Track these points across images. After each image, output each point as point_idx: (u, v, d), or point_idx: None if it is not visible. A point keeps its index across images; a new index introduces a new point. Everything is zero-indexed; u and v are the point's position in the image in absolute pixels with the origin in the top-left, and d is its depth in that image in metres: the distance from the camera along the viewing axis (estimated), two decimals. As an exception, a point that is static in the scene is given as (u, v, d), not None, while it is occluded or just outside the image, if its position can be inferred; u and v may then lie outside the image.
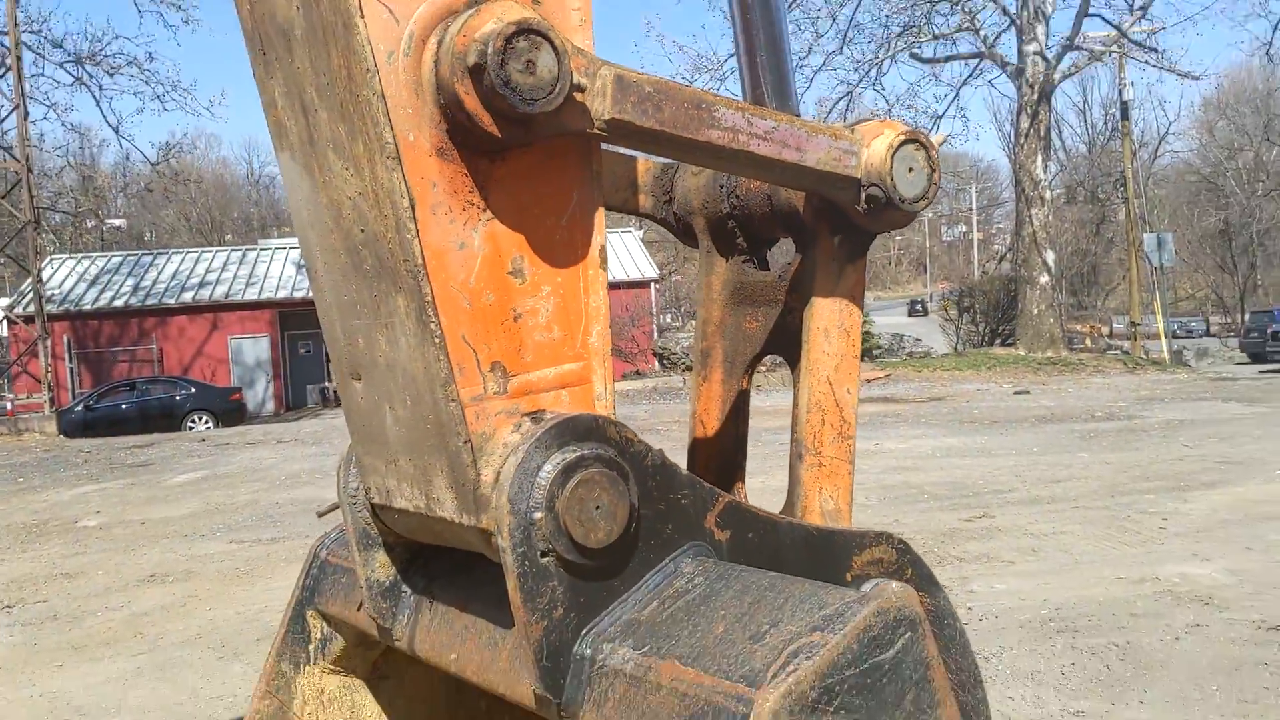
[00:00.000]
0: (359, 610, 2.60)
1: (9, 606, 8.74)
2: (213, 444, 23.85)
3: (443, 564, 2.46)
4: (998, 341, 41.41)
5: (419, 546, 2.47)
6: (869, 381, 28.95)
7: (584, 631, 1.98)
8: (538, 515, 1.90)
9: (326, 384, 43.51)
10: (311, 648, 2.84)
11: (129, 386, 36.57)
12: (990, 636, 6.79)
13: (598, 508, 1.94)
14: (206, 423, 34.54)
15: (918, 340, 47.93)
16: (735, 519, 2.16)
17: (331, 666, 2.86)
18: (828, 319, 2.48)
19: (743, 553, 2.15)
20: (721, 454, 2.81)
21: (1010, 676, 6.11)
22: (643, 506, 2.02)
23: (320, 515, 2.75)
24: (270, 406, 43.81)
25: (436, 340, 1.84)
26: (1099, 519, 9.99)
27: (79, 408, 34.73)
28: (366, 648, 2.86)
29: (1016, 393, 25.10)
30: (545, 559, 1.93)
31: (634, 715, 1.85)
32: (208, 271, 46.28)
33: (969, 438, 16.51)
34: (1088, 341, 45.56)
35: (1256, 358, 40.83)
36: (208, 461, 19.50)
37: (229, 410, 35.60)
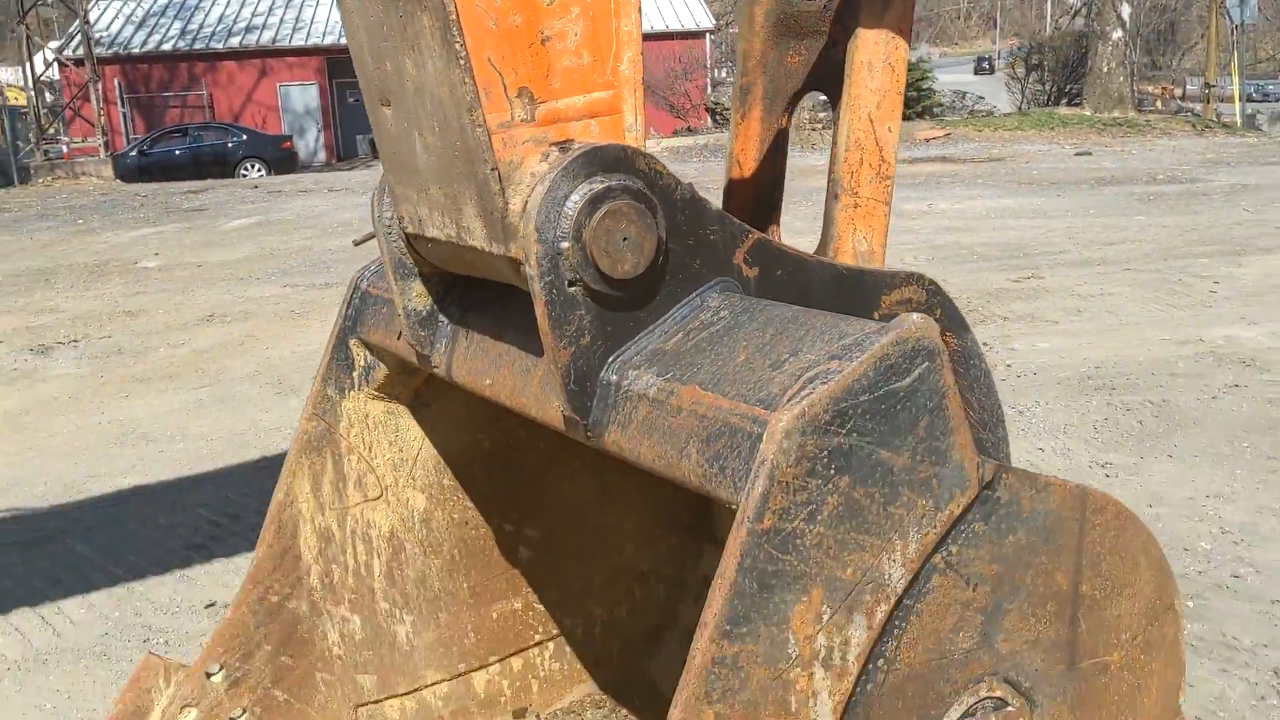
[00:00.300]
0: (399, 339, 2.69)
1: (75, 341, 9.09)
2: (265, 191, 24.02)
3: (478, 294, 2.51)
4: (1064, 101, 39.93)
5: (454, 277, 2.51)
6: (927, 140, 28.24)
7: (610, 359, 2.04)
8: (565, 245, 1.92)
9: (377, 134, 43.13)
10: (355, 374, 2.95)
11: (181, 132, 36.58)
12: (1027, 392, 6.88)
13: (625, 239, 1.95)
14: (259, 170, 34.65)
15: (981, 99, 46.26)
16: (764, 256, 2.17)
17: (375, 393, 2.98)
18: (872, 52, 2.40)
19: (770, 290, 2.17)
20: (757, 193, 2.79)
21: (1043, 430, 6.22)
22: (670, 240, 2.03)
23: (356, 244, 2.80)
24: (321, 156, 43.75)
25: (462, 62, 1.82)
26: (1149, 281, 9.90)
27: (133, 153, 34.91)
28: (408, 375, 2.96)
29: (1078, 154, 24.43)
30: (572, 288, 1.96)
31: (655, 436, 1.92)
32: (254, 15, 45.32)
33: (1025, 199, 16.21)
34: (1158, 104, 43.76)
35: (1334, 123, 39.14)
36: (261, 208, 19.70)
37: (280, 158, 35.63)
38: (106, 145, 35.56)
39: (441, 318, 2.54)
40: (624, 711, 3.36)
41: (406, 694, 3.16)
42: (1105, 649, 2.20)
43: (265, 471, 5.86)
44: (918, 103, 34.74)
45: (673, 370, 1.95)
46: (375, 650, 3.09)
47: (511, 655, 3.34)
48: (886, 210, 2.53)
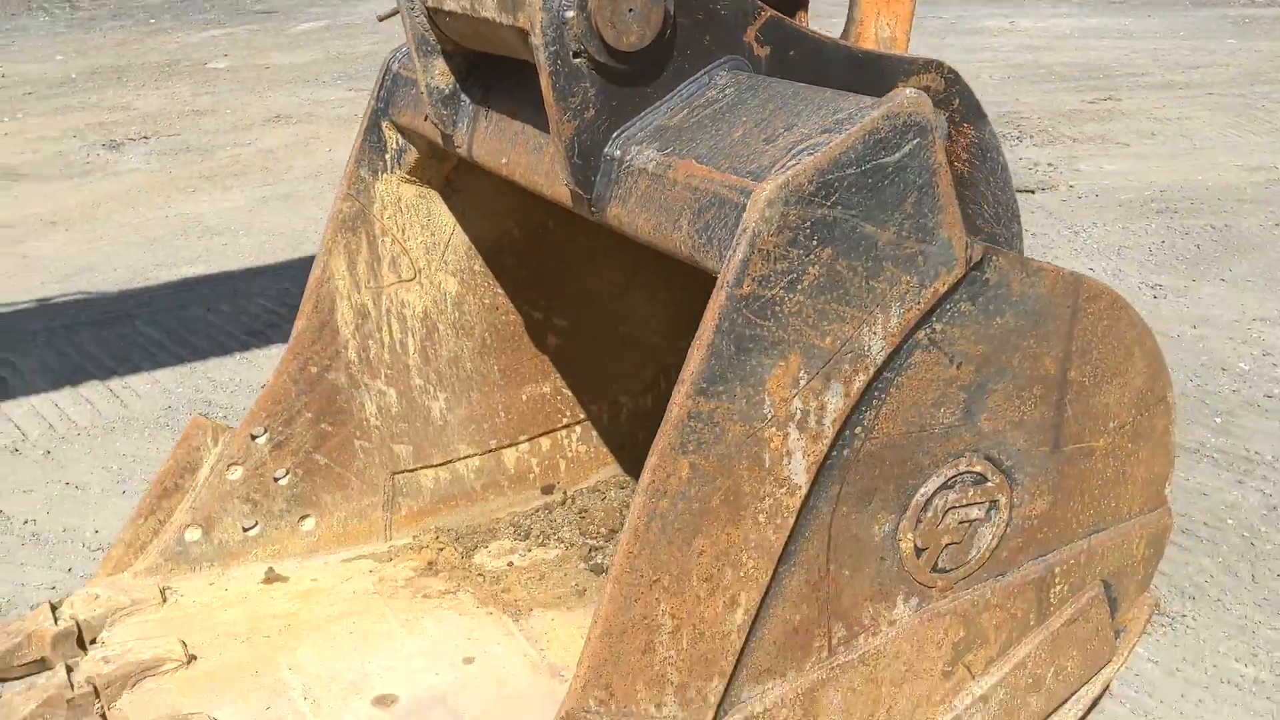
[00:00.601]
0: (426, 120, 2.75)
1: (145, 137, 9.25)
2: (336, -5, 23.68)
3: (499, 74, 2.55)
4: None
5: (477, 56, 2.55)
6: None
7: (615, 135, 2.09)
8: (569, 14, 1.94)
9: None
10: (388, 157, 3.03)
11: (253, -66, 35.94)
12: (1086, 213, 6.77)
13: (630, 10, 1.97)
14: (331, -25, 34.09)
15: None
16: (777, 35, 2.17)
17: (407, 176, 3.06)
18: None
19: (782, 70, 2.18)
20: (784, -22, 2.75)
21: (1096, 251, 6.15)
22: (679, 14, 2.04)
23: (380, 19, 2.83)
24: (394, -39, 42.84)
25: None
26: (1231, 106, 9.52)
27: (205, -46, 34.48)
28: (439, 160, 3.03)
29: (1179, -27, 23.07)
30: (577, 60, 2.00)
31: (652, 208, 1.98)
32: None
33: (1113, 18, 15.46)
34: (1277, -80, 40.85)
35: None
36: (328, 11, 19.47)
37: (352, -37, 34.98)
38: (179, -54, 35.11)
39: (464, 97, 2.58)
40: (646, 492, 3.53)
41: (440, 465, 3.34)
42: (1091, 435, 2.28)
43: (322, 266, 6.05)
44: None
45: (673, 145, 2.00)
46: (410, 423, 3.26)
47: (540, 435, 3.50)
48: (912, -4, 2.49)
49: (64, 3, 20.59)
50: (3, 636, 2.87)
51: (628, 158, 2.05)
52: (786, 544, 1.94)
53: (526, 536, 3.37)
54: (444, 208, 3.16)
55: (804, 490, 1.92)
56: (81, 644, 2.86)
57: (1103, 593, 2.43)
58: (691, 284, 3.53)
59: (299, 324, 3.09)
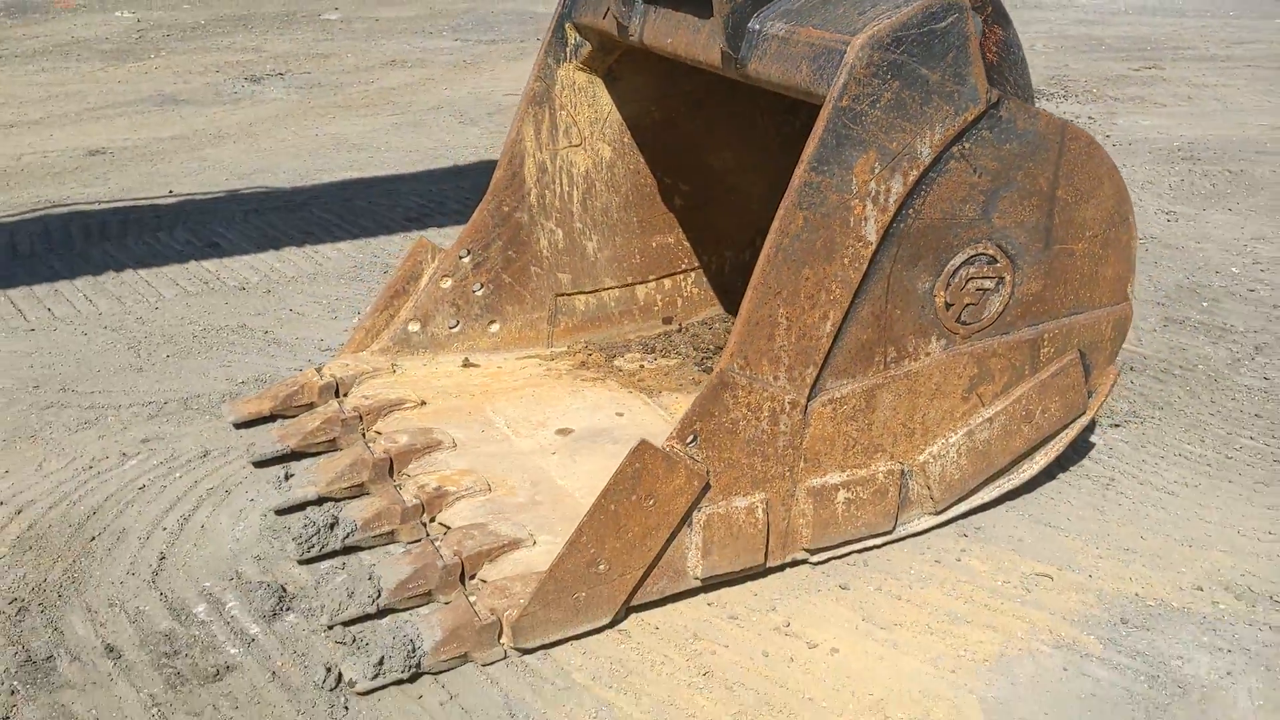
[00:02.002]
0: (603, 19, 3.80)
1: (280, 74, 10.41)
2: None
3: (666, -18, 3.59)
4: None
5: (650, -30, 3.59)
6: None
7: (756, 14, 3.12)
8: (733, -68, 2.98)
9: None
10: (568, 49, 4.09)
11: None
12: (1117, 157, 7.67)
13: (773, -69, 3.00)
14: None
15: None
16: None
17: (581, 65, 4.12)
18: None
19: None
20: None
21: (1123, 185, 7.08)
22: (803, -64, 3.07)
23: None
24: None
25: None
26: (1268, 78, 10.34)
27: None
28: (606, 54, 4.08)
29: (1243, -40, 23.56)
30: (735, -38, 3.03)
31: (782, 60, 3.02)
32: None
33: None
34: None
35: None
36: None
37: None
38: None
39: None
40: (743, 322, 4.58)
41: (590, 292, 4.41)
42: (1072, 240, 3.28)
43: (460, 176, 7.14)
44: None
45: (797, 20, 3.03)
46: (571, 257, 4.33)
47: (664, 277, 4.56)
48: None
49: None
50: (283, 386, 3.99)
51: (765, 29, 3.09)
52: (860, 283, 2.97)
53: (652, 351, 4.43)
54: (605, 91, 4.21)
55: (874, 246, 2.94)
56: (338, 395, 3.97)
57: (1079, 358, 3.42)
58: (786, 169, 4.56)
59: (496, 174, 4.16)
